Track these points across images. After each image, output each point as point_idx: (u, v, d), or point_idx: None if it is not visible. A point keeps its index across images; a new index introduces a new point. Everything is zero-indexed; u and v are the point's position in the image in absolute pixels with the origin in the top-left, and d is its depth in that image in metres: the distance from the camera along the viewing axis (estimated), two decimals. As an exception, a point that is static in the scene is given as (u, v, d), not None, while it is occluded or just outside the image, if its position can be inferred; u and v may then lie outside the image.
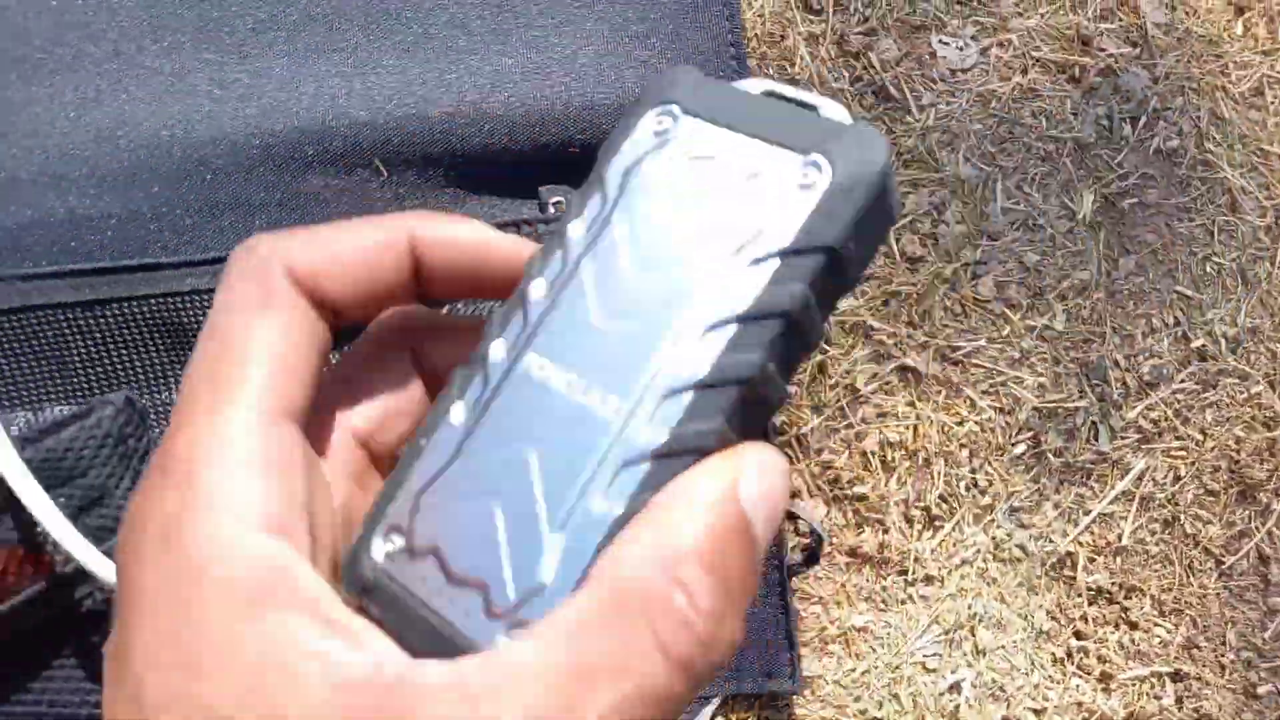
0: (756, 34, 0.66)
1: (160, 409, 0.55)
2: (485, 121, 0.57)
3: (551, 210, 0.59)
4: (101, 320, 0.55)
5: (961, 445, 0.68)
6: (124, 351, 0.56)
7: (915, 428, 0.68)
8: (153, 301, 0.55)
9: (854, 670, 0.69)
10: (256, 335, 0.22)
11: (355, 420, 0.25)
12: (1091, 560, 0.69)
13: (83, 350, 0.55)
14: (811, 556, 0.64)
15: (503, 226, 0.58)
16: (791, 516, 0.65)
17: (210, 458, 0.21)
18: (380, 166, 0.57)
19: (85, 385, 0.56)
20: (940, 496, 0.68)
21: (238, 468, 0.21)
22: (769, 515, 0.22)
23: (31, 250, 0.55)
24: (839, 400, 0.67)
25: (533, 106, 0.58)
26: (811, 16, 0.67)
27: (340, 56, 0.57)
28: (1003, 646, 0.69)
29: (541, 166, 0.59)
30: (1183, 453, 0.70)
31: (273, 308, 0.23)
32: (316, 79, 0.57)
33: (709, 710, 0.65)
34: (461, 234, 0.25)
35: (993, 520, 0.69)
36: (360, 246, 0.24)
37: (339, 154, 0.57)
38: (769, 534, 0.22)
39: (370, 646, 0.20)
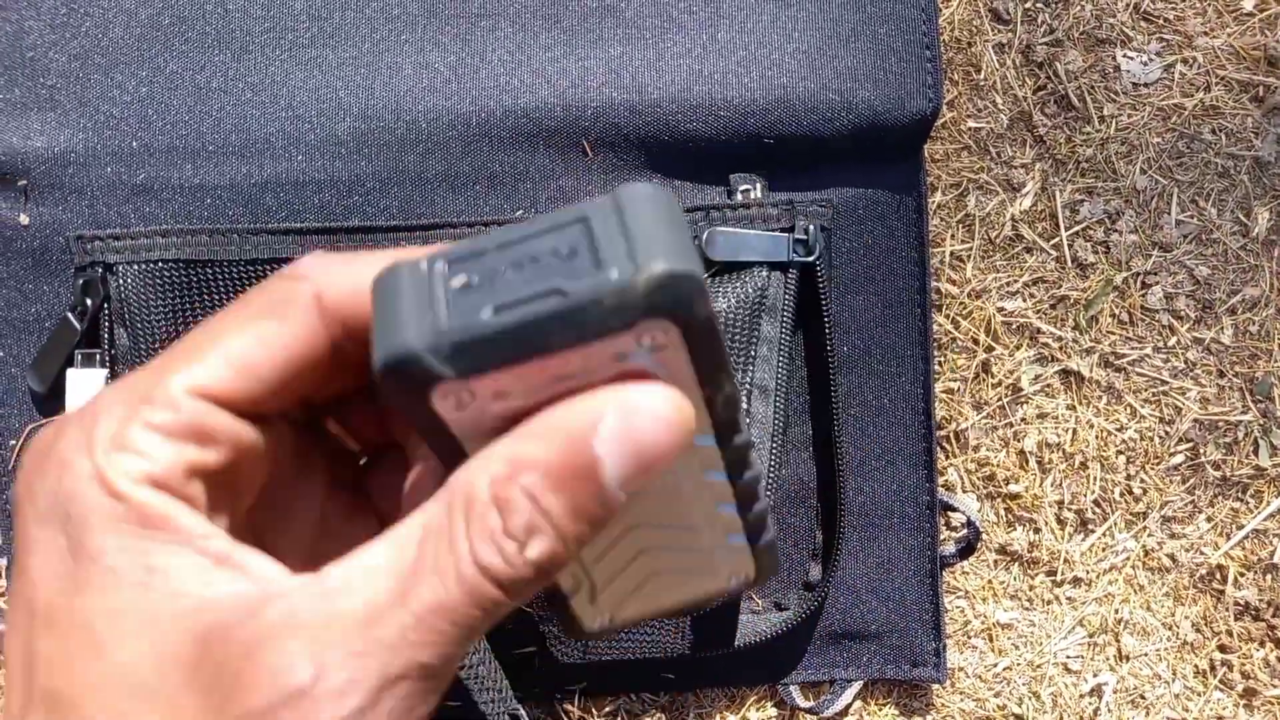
0: (944, 40, 0.68)
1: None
2: (689, 108, 0.60)
3: (739, 197, 0.62)
4: (321, 275, 0.59)
5: (1119, 452, 0.69)
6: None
7: (1074, 431, 0.69)
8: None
9: (996, 665, 0.70)
10: (230, 325, 0.23)
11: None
12: (1241, 575, 0.70)
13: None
14: (967, 548, 0.66)
15: (690, 211, 0.61)
16: (947, 508, 0.67)
17: (116, 412, 0.22)
18: (587, 146, 0.61)
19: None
20: (1094, 500, 0.69)
21: (141, 428, 0.22)
22: (628, 461, 0.21)
23: (269, 207, 0.59)
24: (1000, 399, 0.69)
25: (734, 96, 0.60)
26: (1000, 26, 0.69)
27: (558, 42, 0.61)
28: (1146, 654, 0.70)
29: (734, 153, 0.62)
30: (1343, 475, 0.70)
31: (277, 315, 0.24)
32: (535, 62, 0.61)
33: (850, 692, 0.67)
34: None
35: (1144, 528, 0.70)
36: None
37: (552, 133, 0.60)
38: (624, 478, 0.21)
39: (253, 574, 0.22)
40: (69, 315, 0.58)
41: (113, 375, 0.58)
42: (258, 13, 0.60)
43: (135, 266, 0.58)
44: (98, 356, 0.58)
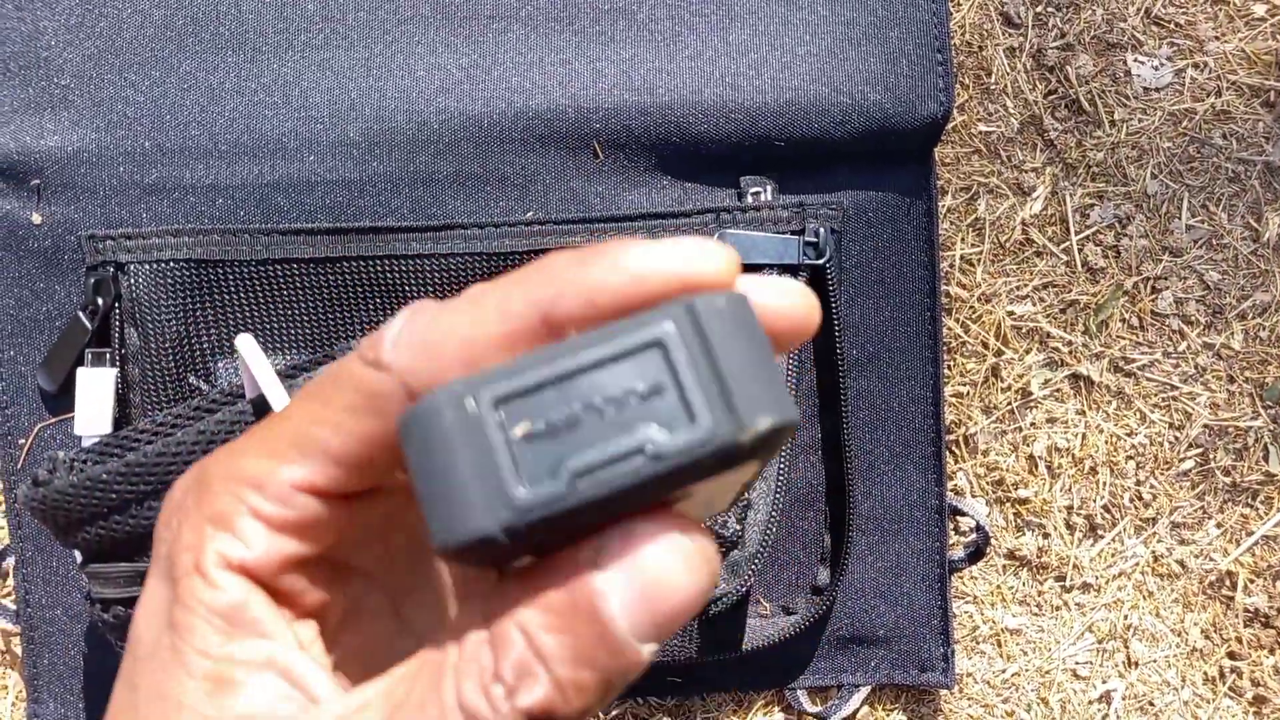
0: (955, 43, 0.68)
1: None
2: (700, 110, 0.60)
3: (750, 200, 0.62)
4: (332, 277, 0.59)
5: (1129, 457, 0.69)
6: (346, 308, 0.60)
7: (1084, 436, 0.69)
8: (378, 263, 0.59)
9: (1004, 671, 0.70)
10: (330, 415, 0.21)
11: None
12: (1251, 582, 0.70)
13: (313, 304, 0.60)
14: (976, 553, 0.66)
15: (700, 213, 0.61)
16: (956, 513, 0.67)
17: (230, 487, 0.21)
18: (597, 148, 0.61)
19: (311, 337, 0.60)
20: (1104, 506, 0.69)
21: (248, 516, 0.21)
22: (638, 605, 0.18)
23: (280, 207, 0.60)
24: (1010, 403, 0.69)
25: (746, 99, 0.60)
26: (1011, 30, 0.69)
27: (570, 44, 0.61)
28: (1155, 661, 0.70)
29: (745, 157, 0.62)
30: (1354, 482, 0.70)
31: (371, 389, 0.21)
32: (547, 64, 0.61)
33: (858, 698, 0.67)
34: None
35: (1154, 534, 0.70)
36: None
37: (563, 134, 0.60)
38: (637, 624, 0.18)
39: (307, 693, 0.21)
40: (80, 314, 0.58)
41: (123, 374, 0.58)
42: (270, 14, 0.60)
43: (146, 266, 0.58)
44: (108, 355, 0.58)
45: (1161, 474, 0.69)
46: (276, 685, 0.20)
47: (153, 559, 0.22)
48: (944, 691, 0.69)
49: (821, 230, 0.61)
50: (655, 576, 0.18)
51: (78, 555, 0.49)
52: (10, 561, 0.61)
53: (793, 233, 0.61)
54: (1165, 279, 0.69)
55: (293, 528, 0.21)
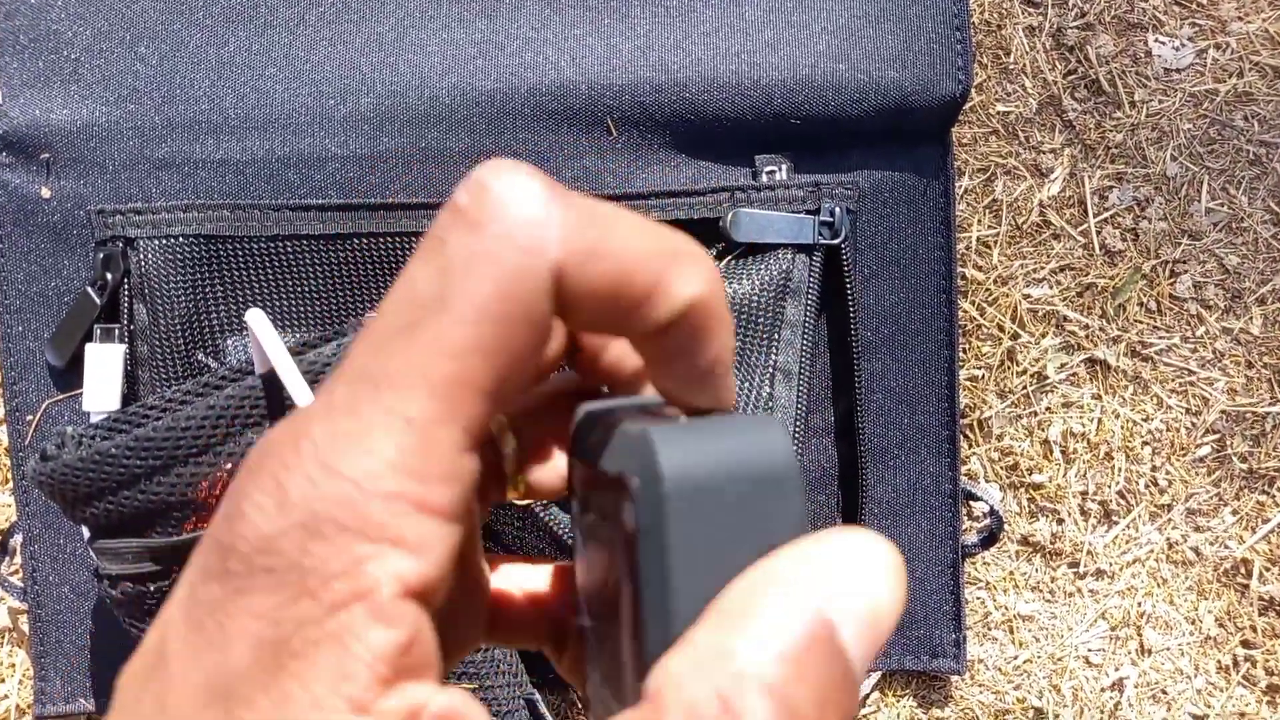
0: (973, 22, 0.67)
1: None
2: (715, 88, 0.60)
3: (765, 179, 0.61)
4: (343, 254, 0.59)
5: (1144, 442, 0.68)
6: (356, 285, 0.59)
7: (1099, 421, 0.68)
8: (386, 239, 0.59)
9: (1016, 658, 0.69)
10: (478, 326, 0.16)
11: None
12: (1266, 570, 0.69)
13: (323, 280, 0.59)
14: (989, 538, 0.65)
15: (714, 192, 0.60)
16: (969, 497, 0.66)
17: (374, 474, 0.16)
18: (611, 125, 0.60)
19: (321, 314, 0.60)
20: (1118, 492, 0.69)
21: (400, 511, 0.16)
22: (873, 638, 0.16)
23: (291, 183, 0.59)
24: (1025, 387, 0.68)
25: (761, 76, 0.60)
26: (1030, 9, 0.68)
27: (584, 20, 0.60)
28: (1168, 649, 0.69)
29: (760, 134, 0.61)
30: (1373, 469, 0.69)
31: (518, 293, 0.17)
32: (561, 40, 0.60)
33: (869, 683, 0.67)
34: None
35: (1169, 520, 0.69)
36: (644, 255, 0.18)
37: (577, 111, 0.60)
38: (871, 653, 0.17)
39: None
40: (89, 289, 0.57)
41: (132, 350, 0.58)
42: (282, -14, 0.60)
43: (156, 241, 0.57)
44: (116, 331, 0.57)
45: (1178, 460, 0.68)
46: None
47: (224, 560, 0.17)
48: (955, 677, 0.69)
49: (837, 210, 0.60)
50: (876, 598, 0.17)
51: (85, 531, 0.48)
52: (18, 539, 0.61)
53: (808, 212, 0.60)
54: (1184, 262, 0.68)
55: (462, 508, 0.17)
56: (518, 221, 0.17)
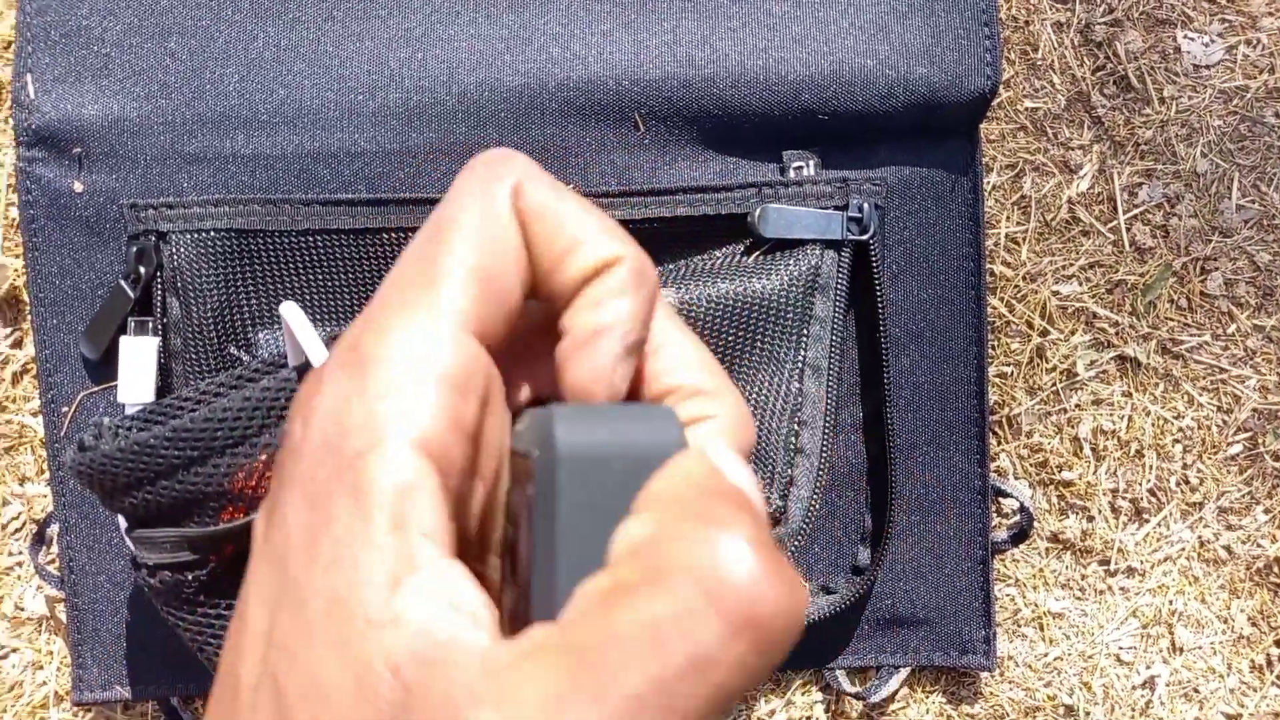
0: (1001, 18, 0.67)
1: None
2: (743, 83, 0.60)
3: (793, 174, 0.61)
4: (372, 248, 0.59)
5: (1175, 440, 0.68)
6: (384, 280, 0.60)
7: (1130, 418, 0.68)
8: (415, 233, 0.59)
9: (1046, 655, 0.69)
10: (467, 243, 0.21)
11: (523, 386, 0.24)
12: (1299, 569, 0.68)
13: (352, 275, 0.59)
14: (1019, 535, 0.65)
15: (742, 188, 0.60)
16: (999, 494, 0.66)
17: (390, 358, 0.20)
18: (639, 121, 0.60)
19: (350, 308, 0.60)
20: (1149, 489, 0.68)
21: (411, 380, 0.20)
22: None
23: (321, 177, 0.59)
24: (1054, 384, 0.68)
25: (789, 72, 0.59)
26: (1058, 4, 0.68)
27: (611, 15, 0.60)
28: (1200, 647, 0.69)
29: (788, 130, 0.61)
30: (1407, 467, 0.68)
31: (492, 222, 0.21)
32: (589, 36, 0.60)
33: (898, 679, 0.66)
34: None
35: (1200, 519, 0.68)
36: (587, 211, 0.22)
37: (604, 106, 0.60)
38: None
39: (437, 600, 0.18)
40: (122, 283, 0.58)
41: (164, 343, 0.58)
42: (313, -18, 0.60)
43: (188, 235, 0.58)
44: (150, 324, 0.58)
45: (1209, 458, 0.68)
46: (446, 591, 0.19)
47: (285, 458, 0.20)
48: (984, 674, 0.68)
49: (865, 206, 0.60)
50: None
51: (122, 521, 0.48)
52: (55, 529, 0.61)
53: (836, 208, 0.60)
54: (1215, 259, 0.67)
55: (474, 381, 0.20)
56: (492, 154, 0.23)
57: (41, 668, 0.65)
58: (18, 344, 0.65)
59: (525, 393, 0.24)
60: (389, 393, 0.19)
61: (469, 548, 0.22)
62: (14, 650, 0.65)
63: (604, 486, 0.19)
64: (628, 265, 0.22)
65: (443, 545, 0.19)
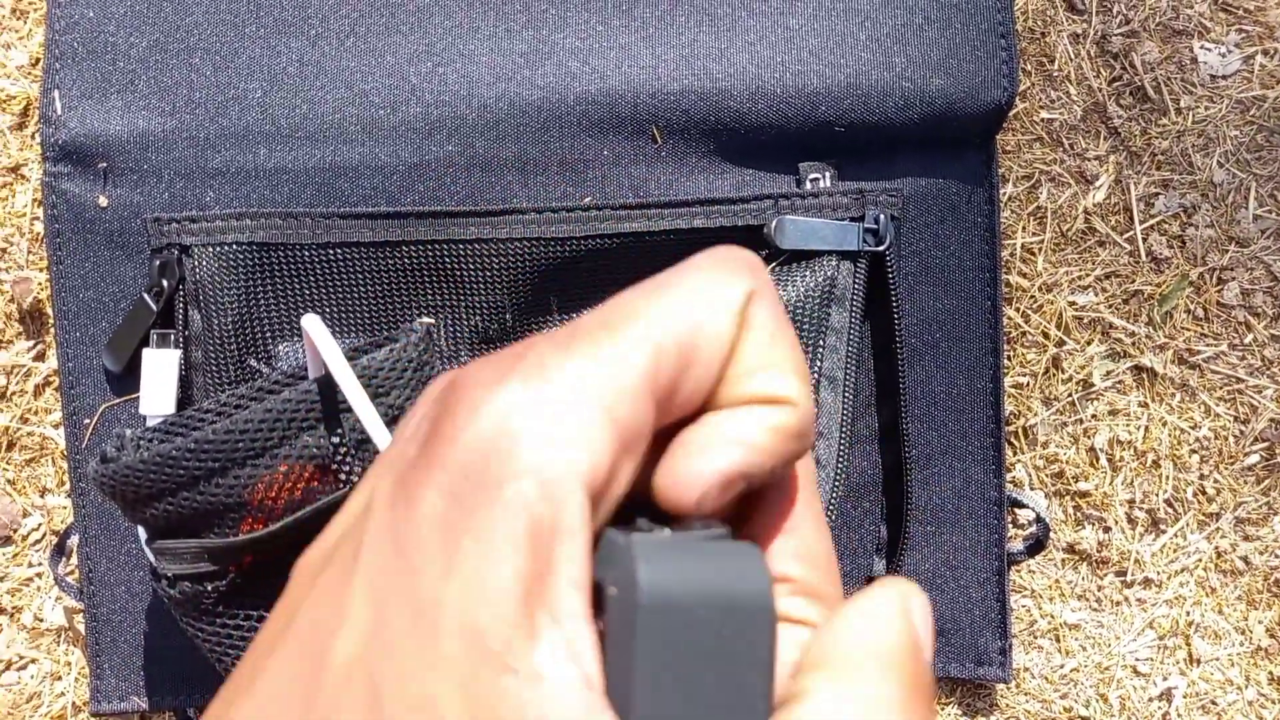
0: (1018, 29, 0.67)
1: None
2: (759, 95, 0.60)
3: (809, 186, 0.61)
4: (392, 261, 0.60)
5: (1192, 450, 0.68)
6: (404, 292, 0.60)
7: (1146, 428, 0.68)
8: (435, 246, 0.59)
9: (1062, 667, 0.69)
10: (687, 318, 0.21)
11: None
12: (1318, 580, 0.68)
13: (372, 287, 0.60)
14: (1035, 546, 0.65)
15: (759, 199, 0.60)
16: (1015, 505, 0.66)
17: (575, 389, 0.19)
18: (656, 134, 0.61)
19: (370, 320, 0.60)
20: (1166, 500, 0.68)
21: (594, 421, 0.19)
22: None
23: (342, 191, 0.60)
24: (1070, 394, 0.68)
25: (805, 84, 0.60)
26: (1074, 16, 0.68)
27: (630, 28, 0.61)
28: (1217, 659, 0.69)
29: (804, 142, 0.61)
30: None
31: (720, 311, 0.21)
32: (607, 49, 0.61)
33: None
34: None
35: (1217, 529, 0.68)
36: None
37: (623, 119, 0.60)
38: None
39: (574, 668, 0.18)
40: (145, 296, 0.59)
41: (186, 356, 0.59)
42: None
43: (210, 249, 0.58)
44: (172, 337, 0.59)
45: (1226, 468, 0.68)
46: (582, 659, 0.18)
47: (433, 435, 0.19)
48: (1000, 686, 0.68)
49: (882, 217, 0.60)
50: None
51: (142, 532, 0.49)
52: (75, 540, 0.62)
53: (852, 219, 0.60)
54: (1231, 270, 0.67)
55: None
56: (747, 253, 0.22)
57: (60, 678, 0.66)
58: (40, 357, 0.66)
59: None
60: (569, 423, 0.19)
61: None
62: (33, 661, 0.66)
63: (684, 632, 0.18)
64: (797, 414, 0.21)
65: (584, 603, 0.18)
